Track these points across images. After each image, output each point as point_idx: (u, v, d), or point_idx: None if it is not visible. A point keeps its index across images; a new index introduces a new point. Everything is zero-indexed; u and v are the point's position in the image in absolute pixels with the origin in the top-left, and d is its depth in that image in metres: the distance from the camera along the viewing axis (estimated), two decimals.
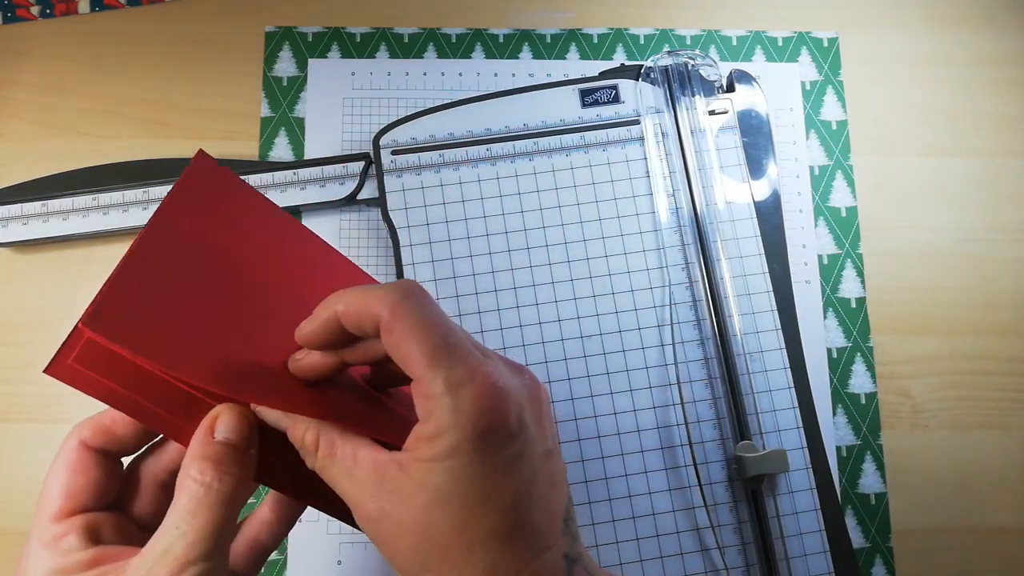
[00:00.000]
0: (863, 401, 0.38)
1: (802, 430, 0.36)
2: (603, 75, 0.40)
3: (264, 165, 0.39)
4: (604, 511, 0.35)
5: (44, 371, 0.21)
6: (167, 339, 0.21)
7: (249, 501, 0.29)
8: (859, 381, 0.38)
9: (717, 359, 0.36)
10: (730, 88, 0.39)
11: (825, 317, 0.39)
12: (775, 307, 0.37)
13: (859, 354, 0.38)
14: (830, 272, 0.39)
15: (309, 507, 0.25)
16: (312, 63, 0.41)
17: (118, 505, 0.24)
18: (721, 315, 0.36)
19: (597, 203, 0.38)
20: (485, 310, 0.37)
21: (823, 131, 0.41)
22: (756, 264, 0.37)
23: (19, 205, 0.37)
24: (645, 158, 0.39)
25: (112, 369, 0.21)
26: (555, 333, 0.37)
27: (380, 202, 0.38)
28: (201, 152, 0.25)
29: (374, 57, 0.41)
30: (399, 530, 0.20)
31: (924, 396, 0.38)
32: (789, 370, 0.36)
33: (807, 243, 0.39)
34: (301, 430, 0.22)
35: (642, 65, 0.40)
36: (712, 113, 0.39)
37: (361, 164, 0.38)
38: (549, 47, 0.42)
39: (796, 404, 0.36)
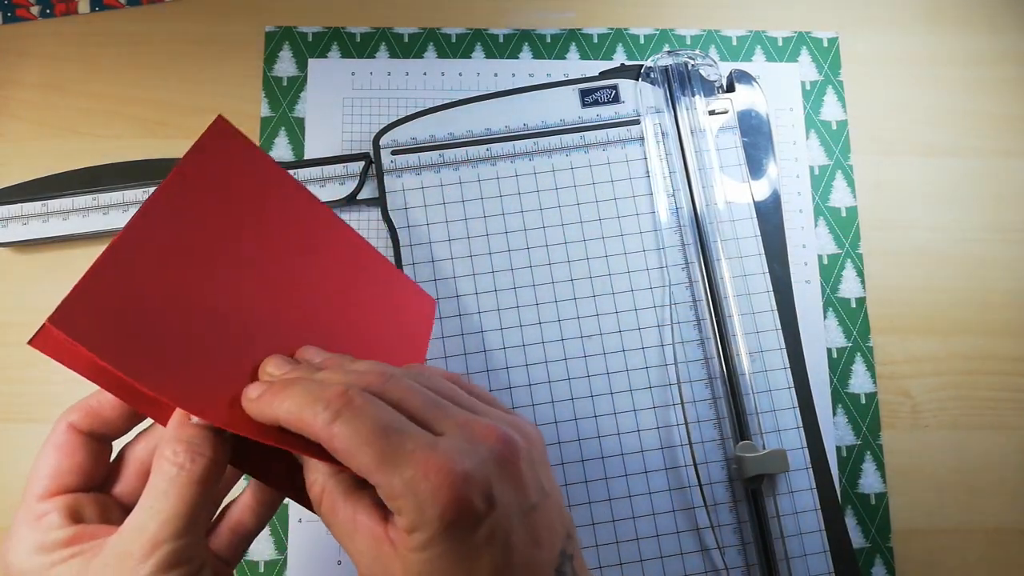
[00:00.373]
0: (863, 401, 0.38)
1: (802, 430, 0.36)
2: (603, 75, 0.40)
3: None
4: (604, 511, 0.35)
5: (28, 343, 0.21)
6: (133, 344, 0.21)
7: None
8: (859, 381, 0.38)
9: (717, 359, 0.36)
10: (730, 88, 0.39)
11: (825, 317, 0.39)
12: (775, 307, 0.37)
13: (859, 354, 0.38)
14: (830, 272, 0.39)
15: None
16: (312, 63, 0.41)
17: (105, 487, 0.25)
18: (721, 315, 0.36)
19: (597, 203, 0.38)
20: (485, 310, 0.37)
21: (823, 131, 0.41)
22: (756, 264, 0.37)
23: (19, 205, 0.37)
24: (645, 158, 0.39)
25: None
26: (555, 333, 0.37)
27: (380, 202, 0.38)
28: (220, 118, 0.24)
29: (374, 57, 0.41)
30: None
31: (924, 396, 0.38)
32: (789, 370, 0.36)
33: (807, 243, 0.39)
34: (311, 478, 0.22)
35: (642, 65, 0.40)
36: (712, 113, 0.39)
37: (361, 164, 0.38)
38: (549, 47, 0.42)
39: (796, 404, 0.36)
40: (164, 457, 0.21)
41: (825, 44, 0.42)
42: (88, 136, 0.40)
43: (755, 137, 0.39)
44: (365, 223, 0.39)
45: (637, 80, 0.39)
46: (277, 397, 0.21)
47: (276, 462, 0.24)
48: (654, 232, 0.38)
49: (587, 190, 0.38)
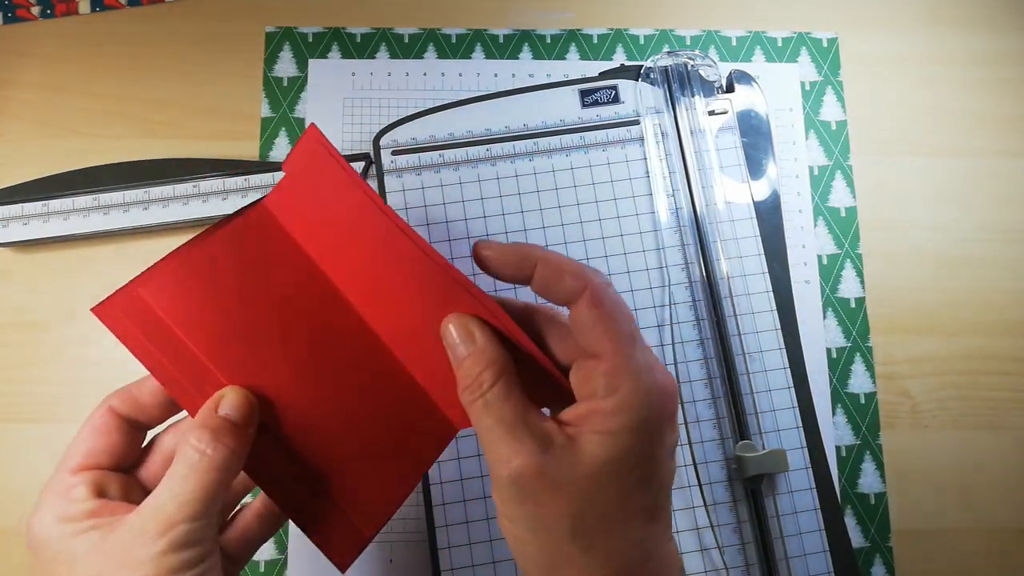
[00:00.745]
0: (863, 401, 0.38)
1: (802, 430, 0.36)
2: (603, 75, 0.40)
3: (265, 165, 0.39)
4: None
5: (91, 309, 0.23)
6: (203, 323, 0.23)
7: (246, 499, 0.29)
8: (859, 381, 0.38)
9: (717, 359, 0.36)
10: (730, 88, 0.39)
11: (825, 317, 0.39)
12: (775, 307, 0.37)
13: (859, 354, 0.38)
14: (830, 272, 0.39)
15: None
16: (312, 63, 0.41)
17: (132, 470, 0.26)
18: (721, 315, 0.36)
19: (597, 203, 0.38)
20: None
21: (822, 131, 0.41)
22: (756, 264, 0.37)
23: (20, 205, 0.37)
24: (645, 158, 0.39)
25: (150, 325, 0.23)
26: None
27: None
28: (313, 128, 0.25)
29: (374, 57, 0.41)
30: (557, 494, 0.21)
31: (924, 396, 0.38)
32: (789, 370, 0.36)
33: (807, 243, 0.39)
34: (489, 356, 0.23)
35: (642, 65, 0.40)
36: (712, 113, 0.39)
37: (361, 164, 0.38)
38: (549, 47, 0.42)
39: (796, 404, 0.36)
40: (188, 443, 0.23)
41: (825, 44, 0.42)
42: (88, 136, 0.40)
43: (755, 137, 0.39)
44: None
45: (637, 80, 0.39)
46: (535, 248, 0.23)
47: (288, 473, 0.24)
48: (654, 232, 0.38)
49: (587, 190, 0.38)
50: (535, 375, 0.23)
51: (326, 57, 0.41)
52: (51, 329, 0.38)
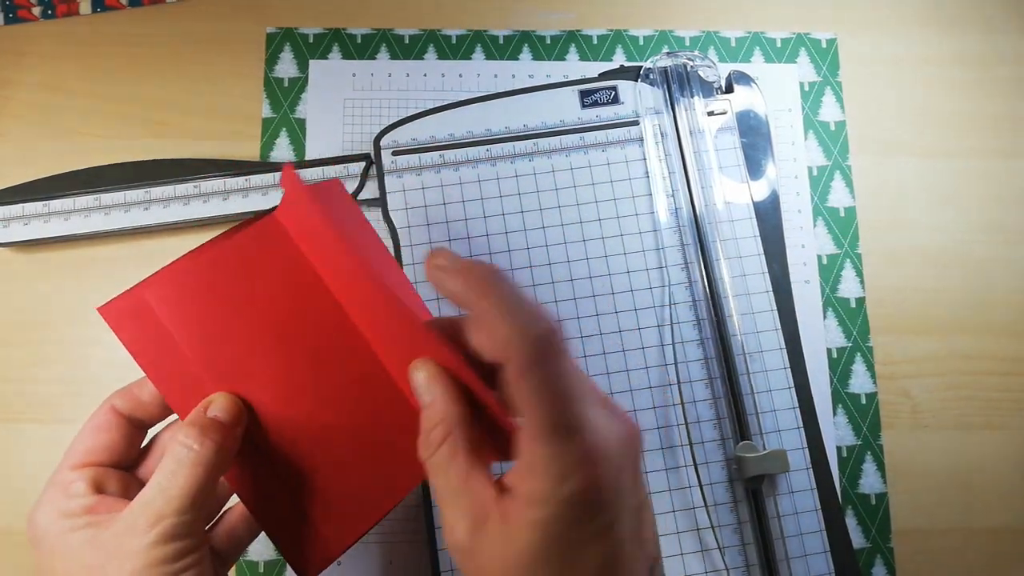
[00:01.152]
0: (863, 401, 0.38)
1: (802, 430, 0.36)
2: (603, 76, 0.40)
3: (265, 166, 0.39)
4: None
5: (97, 308, 0.24)
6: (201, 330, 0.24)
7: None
8: (859, 381, 0.38)
9: (717, 359, 0.36)
10: (729, 89, 0.40)
11: (825, 317, 0.39)
12: (775, 307, 0.37)
13: (859, 354, 0.38)
14: (829, 272, 0.39)
15: None
16: (313, 64, 0.41)
17: (132, 468, 0.27)
18: (721, 315, 0.36)
19: (597, 203, 0.38)
20: None
21: (821, 132, 0.41)
22: (755, 264, 0.37)
23: (20, 205, 0.37)
24: (644, 159, 0.39)
25: (151, 330, 0.24)
26: None
27: (381, 203, 0.38)
28: (287, 169, 0.25)
29: (375, 58, 0.41)
30: (486, 572, 0.20)
31: (924, 396, 0.38)
32: (789, 370, 0.36)
33: (806, 243, 0.39)
34: (437, 416, 0.22)
35: (641, 66, 0.40)
36: (711, 114, 0.39)
37: (362, 165, 0.38)
38: (549, 48, 0.42)
39: (796, 404, 0.36)
40: (177, 440, 0.23)
41: (823, 45, 0.42)
42: (89, 136, 0.40)
43: (754, 138, 0.39)
44: None
45: (636, 81, 0.39)
46: (482, 285, 0.21)
47: (264, 483, 0.25)
48: (653, 232, 0.38)
49: (587, 191, 0.38)
50: (492, 422, 0.23)
51: (327, 58, 0.41)
52: (52, 329, 0.38)
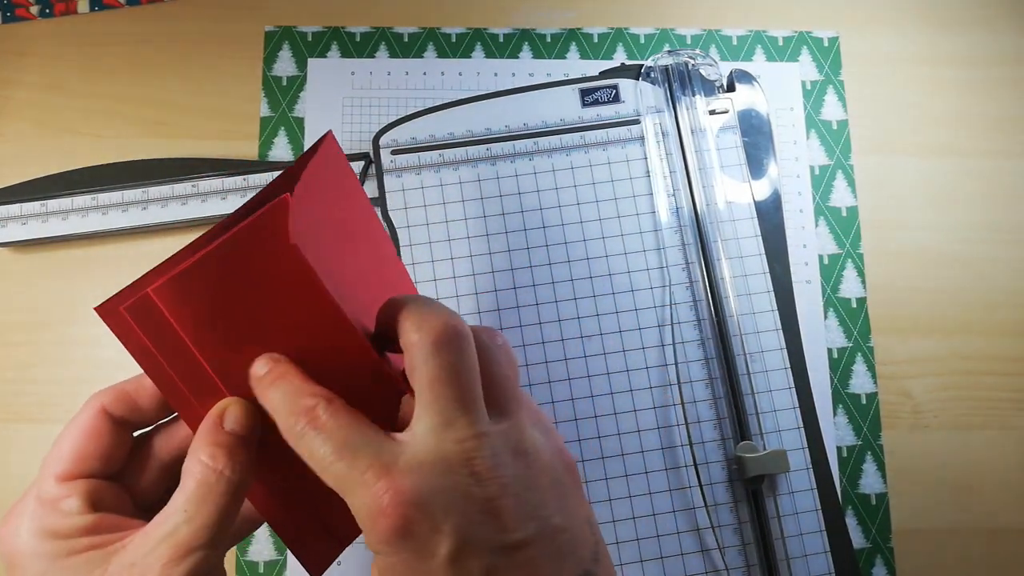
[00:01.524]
0: (864, 401, 0.38)
1: (802, 430, 0.36)
2: (603, 75, 0.40)
3: (264, 165, 0.39)
4: (604, 511, 0.35)
5: (95, 308, 0.21)
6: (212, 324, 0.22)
7: None
8: (860, 381, 0.38)
9: (717, 359, 0.36)
10: (730, 88, 0.39)
11: (826, 317, 0.39)
12: (775, 307, 0.37)
13: (860, 354, 0.38)
14: (831, 272, 0.39)
15: None
16: (312, 63, 0.41)
17: (119, 477, 0.24)
18: (721, 315, 0.36)
19: (597, 203, 0.38)
20: (485, 311, 0.37)
21: (823, 131, 0.41)
22: (756, 264, 0.37)
23: (18, 205, 0.37)
24: (645, 158, 0.39)
25: (154, 329, 0.22)
26: (555, 333, 0.36)
27: (380, 202, 0.38)
28: (331, 134, 0.25)
29: (374, 57, 0.41)
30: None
31: (925, 396, 0.38)
32: (789, 370, 0.36)
33: (807, 243, 0.39)
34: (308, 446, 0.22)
35: (642, 65, 0.39)
36: (712, 113, 0.39)
37: (361, 164, 0.38)
38: (549, 47, 0.42)
39: (796, 404, 0.36)
40: (200, 461, 0.21)
41: (826, 44, 0.42)
42: (88, 136, 0.40)
43: (755, 137, 0.39)
44: None
45: (637, 80, 0.39)
46: (271, 386, 0.21)
47: (271, 481, 0.24)
48: (654, 232, 0.38)
49: (587, 190, 0.38)
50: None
51: (325, 56, 0.41)
52: (49, 329, 0.38)
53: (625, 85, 0.39)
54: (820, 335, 0.38)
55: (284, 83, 0.41)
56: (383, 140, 0.38)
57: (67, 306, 0.38)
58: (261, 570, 0.35)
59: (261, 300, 0.23)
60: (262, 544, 0.36)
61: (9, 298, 0.38)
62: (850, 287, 0.39)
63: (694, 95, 0.39)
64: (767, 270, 0.37)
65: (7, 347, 0.38)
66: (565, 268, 0.37)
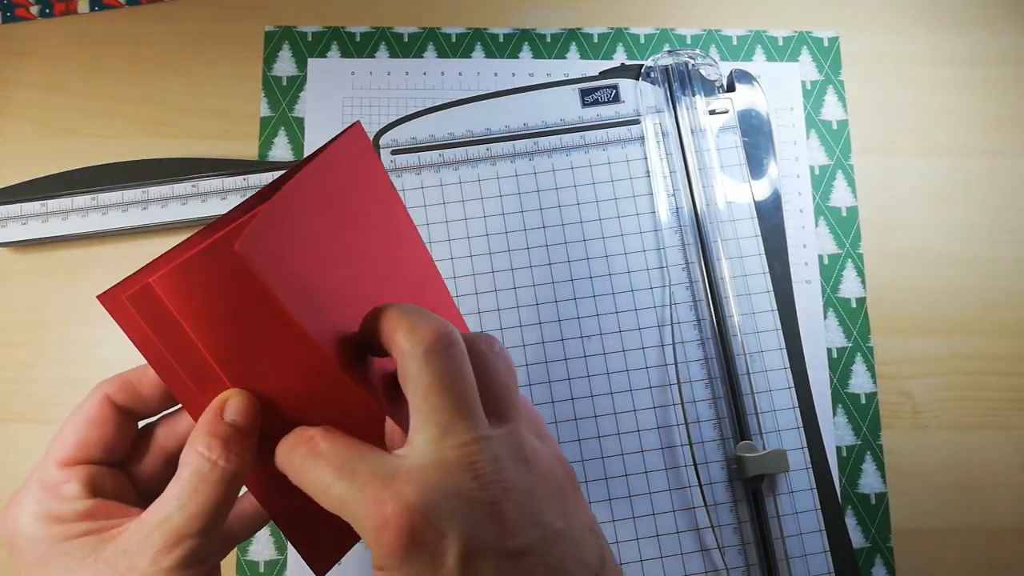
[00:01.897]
0: (863, 401, 0.38)
1: (802, 430, 0.36)
2: (603, 75, 0.40)
3: (264, 165, 0.39)
4: (604, 511, 0.35)
5: (97, 296, 0.21)
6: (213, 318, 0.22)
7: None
8: (859, 381, 0.38)
9: (717, 359, 0.36)
10: (730, 88, 0.39)
11: (825, 317, 0.39)
12: (775, 307, 0.37)
13: (859, 354, 0.38)
14: (830, 272, 0.39)
15: None
16: (312, 63, 0.41)
17: (123, 465, 0.24)
18: (721, 315, 0.36)
19: (597, 203, 0.38)
20: (485, 310, 0.37)
21: (823, 131, 0.41)
22: (756, 264, 0.37)
23: (18, 205, 0.37)
24: (645, 158, 0.39)
25: (156, 319, 0.22)
26: (555, 333, 0.37)
27: None
28: (359, 125, 0.24)
29: (374, 57, 0.41)
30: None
31: (924, 396, 0.38)
32: (789, 370, 0.36)
33: (807, 243, 0.39)
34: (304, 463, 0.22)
35: (642, 65, 0.40)
36: (712, 113, 0.39)
37: None
38: (549, 47, 0.42)
39: (796, 404, 0.36)
40: (196, 451, 0.21)
41: (826, 44, 0.42)
42: (88, 136, 0.40)
43: (755, 137, 0.39)
44: None
45: (637, 80, 0.39)
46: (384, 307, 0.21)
47: (279, 479, 0.24)
48: (654, 232, 0.38)
49: (587, 190, 0.38)
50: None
51: (325, 56, 0.41)
52: (49, 329, 0.38)
53: (625, 85, 0.39)
54: (820, 335, 0.38)
55: (284, 83, 0.41)
56: (383, 140, 0.38)
57: (67, 306, 0.38)
58: (261, 570, 0.35)
59: (244, 306, 0.22)
60: (262, 544, 0.36)
61: (9, 298, 0.38)
62: (850, 287, 0.39)
63: (694, 95, 0.39)
64: (767, 270, 0.37)
65: (7, 347, 0.38)
66: (565, 268, 0.37)
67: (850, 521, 0.36)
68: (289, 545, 0.35)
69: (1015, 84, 0.42)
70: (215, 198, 0.38)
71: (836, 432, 0.37)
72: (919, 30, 0.43)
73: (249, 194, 0.38)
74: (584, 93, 0.39)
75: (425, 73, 0.41)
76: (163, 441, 0.25)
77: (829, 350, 0.38)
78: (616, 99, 0.39)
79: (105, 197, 0.38)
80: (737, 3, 0.43)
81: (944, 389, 0.38)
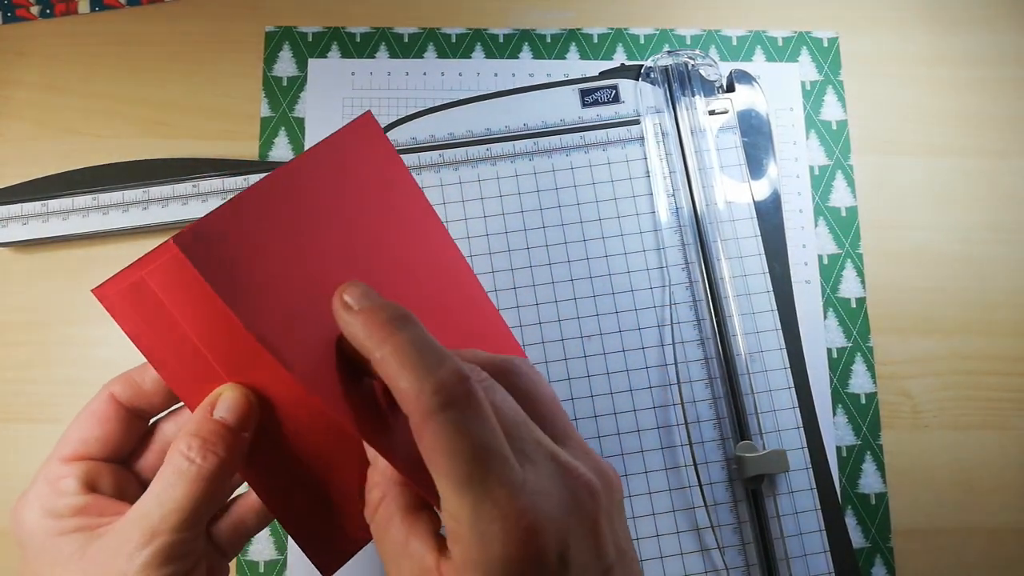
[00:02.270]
0: (863, 401, 0.38)
1: (802, 430, 0.36)
2: (603, 75, 0.40)
3: (264, 165, 0.39)
4: None
5: (92, 290, 0.21)
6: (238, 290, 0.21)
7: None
8: (859, 381, 0.38)
9: (717, 359, 0.36)
10: (730, 88, 0.39)
11: (825, 317, 0.39)
12: (775, 307, 0.37)
13: (859, 354, 0.38)
14: (830, 272, 0.39)
15: None
16: (312, 63, 0.41)
17: (129, 461, 0.25)
18: (721, 315, 0.36)
19: (597, 203, 0.38)
20: None
21: (823, 131, 0.41)
22: (756, 264, 0.37)
23: (19, 205, 0.37)
24: (645, 158, 0.39)
25: (151, 312, 0.22)
26: (555, 333, 0.37)
27: None
28: (370, 114, 0.24)
29: (374, 57, 0.41)
30: None
31: (924, 396, 0.38)
32: (789, 370, 0.36)
33: (807, 243, 0.39)
34: (372, 480, 0.21)
35: (642, 65, 0.40)
36: (712, 113, 0.39)
37: None
38: (549, 47, 0.42)
39: (796, 404, 0.36)
40: (178, 449, 0.21)
41: (825, 44, 0.42)
42: (88, 136, 0.40)
43: (755, 137, 0.39)
44: None
45: (637, 80, 0.39)
46: (384, 330, 0.19)
47: (282, 477, 0.24)
48: (654, 232, 0.38)
49: (587, 190, 0.38)
50: None
51: (326, 57, 0.41)
52: (49, 329, 0.38)
53: (625, 85, 0.39)
54: (820, 335, 0.38)
55: (284, 83, 0.41)
56: None
57: (67, 306, 0.38)
58: (261, 570, 0.35)
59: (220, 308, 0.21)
60: (262, 544, 0.36)
61: (9, 298, 0.38)
62: (849, 287, 0.39)
63: (694, 95, 0.39)
64: (767, 270, 0.37)
65: (7, 347, 0.38)
66: (565, 268, 0.37)
67: (850, 521, 0.36)
68: (289, 545, 0.35)
69: (1015, 84, 0.42)
70: (216, 198, 0.38)
71: (836, 432, 0.37)
72: (919, 30, 0.43)
73: None
74: (584, 93, 0.39)
75: (425, 73, 0.41)
76: (169, 437, 0.25)
77: (829, 350, 0.38)
78: (616, 99, 0.39)
79: (106, 197, 0.38)
80: (737, 3, 0.43)
81: (944, 389, 0.38)
